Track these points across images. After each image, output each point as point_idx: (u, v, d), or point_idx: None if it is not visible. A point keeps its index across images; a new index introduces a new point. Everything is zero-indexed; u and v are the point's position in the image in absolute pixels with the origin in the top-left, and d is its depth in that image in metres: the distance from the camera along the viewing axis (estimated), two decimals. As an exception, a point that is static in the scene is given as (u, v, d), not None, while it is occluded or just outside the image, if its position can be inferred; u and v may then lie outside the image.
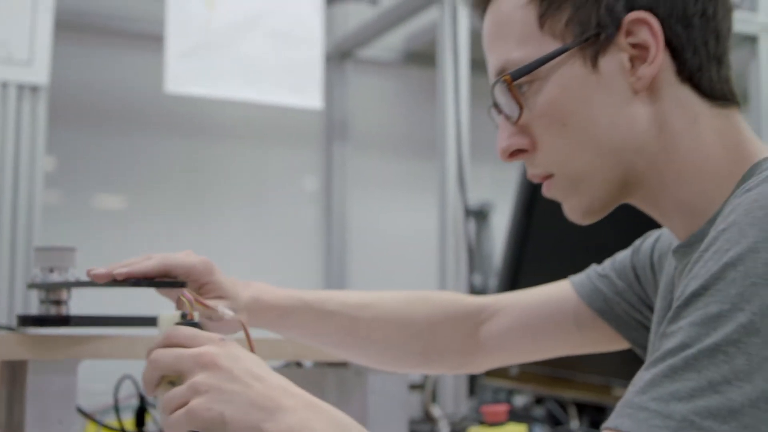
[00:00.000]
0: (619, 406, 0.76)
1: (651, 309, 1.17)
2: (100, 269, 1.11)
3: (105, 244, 2.59)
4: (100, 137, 2.67)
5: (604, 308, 1.21)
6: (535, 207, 2.13)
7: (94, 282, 1.19)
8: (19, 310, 2.15)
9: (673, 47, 0.95)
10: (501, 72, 0.99)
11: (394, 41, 3.06)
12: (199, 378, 0.89)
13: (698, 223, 0.95)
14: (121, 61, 2.72)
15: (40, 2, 2.12)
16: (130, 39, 2.72)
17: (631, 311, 1.19)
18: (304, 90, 2.48)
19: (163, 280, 1.12)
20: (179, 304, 1.04)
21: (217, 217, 2.81)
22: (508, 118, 1.00)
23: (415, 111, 3.09)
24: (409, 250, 2.98)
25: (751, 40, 2.70)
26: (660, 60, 0.93)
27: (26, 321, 1.39)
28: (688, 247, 0.96)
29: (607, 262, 1.24)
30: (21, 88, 2.14)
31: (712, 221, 0.92)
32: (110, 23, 2.72)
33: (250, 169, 2.88)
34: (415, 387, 2.34)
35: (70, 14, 2.55)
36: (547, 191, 1.01)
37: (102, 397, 1.65)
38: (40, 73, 2.12)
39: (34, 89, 2.15)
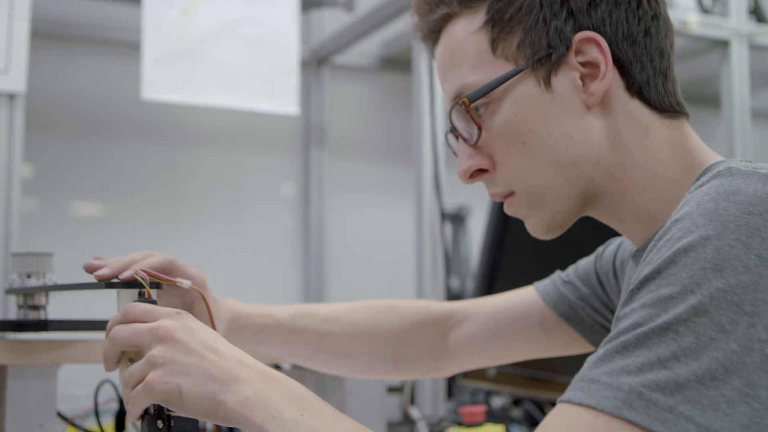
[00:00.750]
0: (573, 381, 0.80)
1: (614, 313, 1.20)
2: (104, 270, 1.13)
3: (82, 251, 2.59)
4: (76, 145, 2.67)
5: (569, 313, 1.25)
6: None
7: (72, 286, 1.20)
8: (-2, 316, 2.15)
9: (621, 64, 1.00)
10: (457, 96, 1.03)
11: (370, 47, 3.08)
12: (156, 351, 0.92)
13: (655, 227, 0.99)
14: (97, 68, 2.72)
15: (16, 10, 2.12)
16: (106, 47, 2.73)
17: (595, 316, 1.24)
18: (280, 96, 2.49)
19: (157, 278, 1.13)
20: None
21: (194, 224, 2.82)
22: (466, 140, 1.03)
23: (391, 116, 3.11)
24: (386, 255, 3.00)
25: (723, 44, 2.73)
26: (610, 76, 0.98)
27: (4, 326, 1.39)
28: (644, 251, 0.99)
29: (571, 269, 1.28)
30: (-2, 95, 2.14)
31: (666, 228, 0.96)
32: (86, 31, 2.72)
33: (228, 175, 2.89)
34: (393, 389, 2.35)
35: (46, 22, 2.55)
36: (509, 209, 1.05)
37: (82, 402, 1.65)
38: (17, 81, 2.12)
39: (11, 97, 2.15)
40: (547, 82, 0.98)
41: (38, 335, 1.40)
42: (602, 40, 0.98)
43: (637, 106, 1.00)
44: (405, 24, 2.81)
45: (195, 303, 1.20)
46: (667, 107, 1.01)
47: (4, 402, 1.36)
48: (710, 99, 3.04)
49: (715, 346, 0.75)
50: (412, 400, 2.31)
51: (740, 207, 0.81)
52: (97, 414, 1.56)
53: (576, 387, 0.79)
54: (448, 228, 2.44)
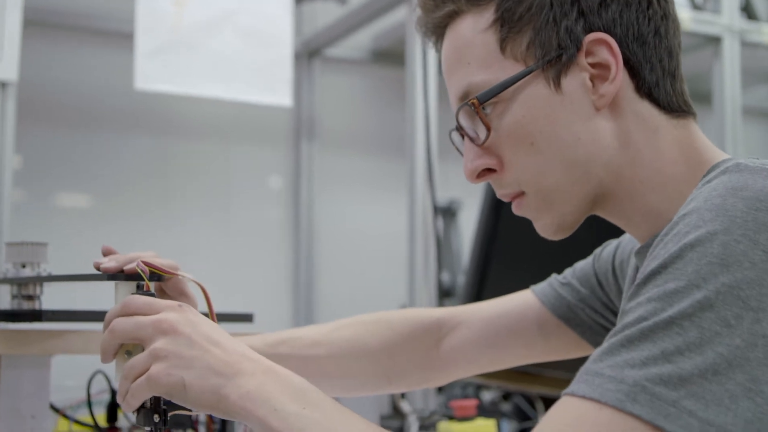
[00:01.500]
0: (578, 375, 0.80)
1: (614, 313, 1.21)
2: (110, 262, 1.11)
3: (71, 243, 2.58)
4: (65, 135, 2.66)
5: (569, 315, 1.24)
6: (503, 204, 2.14)
7: (70, 277, 1.19)
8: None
9: (631, 65, 0.99)
10: (465, 96, 1.02)
11: (362, 40, 3.07)
12: (159, 344, 0.92)
13: (661, 225, 0.99)
14: (89, 59, 2.71)
15: (9, -1, 2.11)
16: (99, 36, 2.72)
17: (596, 316, 1.23)
18: (274, 88, 2.48)
19: (155, 269, 1.10)
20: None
21: (184, 216, 2.81)
22: (473, 140, 1.03)
23: (382, 110, 3.10)
24: (377, 249, 3.00)
25: (715, 41, 2.74)
26: (620, 78, 0.98)
27: None
28: (649, 248, 0.99)
29: (568, 271, 1.28)
30: (-10, 84, 2.13)
31: (673, 224, 0.96)
32: (79, 21, 2.71)
33: (218, 167, 2.88)
34: (383, 383, 2.35)
35: (38, 11, 2.54)
36: (518, 209, 1.04)
37: (73, 393, 1.64)
38: (9, 69, 2.11)
39: (3, 85, 2.14)
40: (557, 83, 0.98)
41: (32, 325, 1.40)
42: (613, 42, 0.98)
43: (646, 107, 1.00)
44: (397, 17, 2.81)
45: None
46: (675, 107, 1.01)
47: (-3, 392, 1.36)
48: (702, 96, 3.05)
49: (719, 341, 0.75)
50: (403, 394, 2.31)
51: (747, 203, 0.81)
52: (90, 405, 1.55)
53: (580, 380, 0.79)
54: (440, 222, 2.44)
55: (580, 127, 0.98)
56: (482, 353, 1.29)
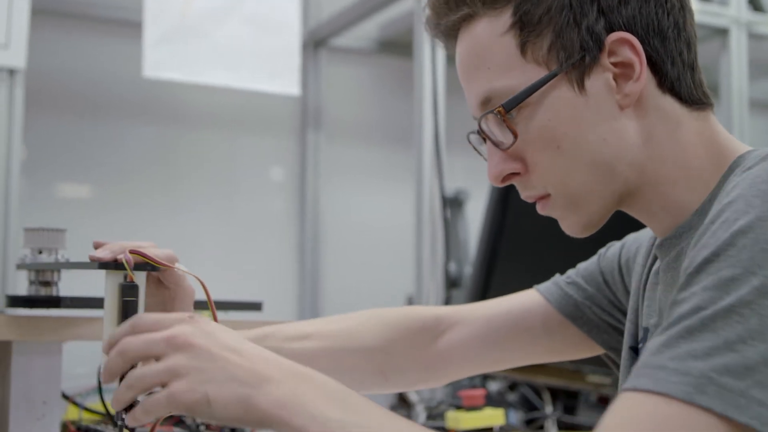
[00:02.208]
0: (636, 369, 0.79)
1: (621, 311, 1.21)
2: (101, 251, 1.08)
3: (76, 231, 2.57)
4: (71, 124, 2.65)
5: (576, 313, 1.24)
6: (510, 194, 2.15)
7: (59, 264, 1.18)
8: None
9: (653, 62, 0.99)
10: (486, 101, 1.01)
11: (368, 30, 3.07)
12: (176, 360, 0.86)
13: (683, 217, 1.00)
14: (96, 47, 2.71)
15: (17, -15, 2.11)
16: (107, 25, 2.71)
17: (603, 314, 1.23)
18: (282, 76, 2.48)
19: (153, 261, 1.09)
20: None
21: (189, 206, 2.81)
22: (497, 145, 1.02)
23: (388, 100, 3.10)
24: (383, 239, 2.99)
25: (722, 33, 2.74)
26: (645, 76, 0.97)
27: (16, 301, 1.38)
28: (675, 238, 1.01)
29: (571, 272, 1.28)
30: (-2, 71, 2.13)
31: (700, 212, 0.98)
32: (87, 9, 2.70)
33: (223, 157, 2.88)
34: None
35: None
36: (543, 210, 1.04)
37: (83, 380, 1.64)
38: (17, 56, 2.10)
39: (12, 72, 2.14)
40: (581, 85, 0.97)
41: (43, 312, 1.40)
42: (635, 41, 0.97)
43: (668, 102, 0.99)
44: (404, 7, 2.81)
45: (181, 295, 1.14)
46: (696, 100, 1.01)
47: (9, 378, 1.36)
48: (708, 88, 3.05)
49: None
50: (410, 384, 2.31)
51: None
52: (101, 392, 1.55)
53: (641, 374, 0.77)
54: (446, 212, 2.44)
55: (605, 127, 0.98)
56: (483, 351, 1.27)
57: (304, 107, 2.99)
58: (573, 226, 1.04)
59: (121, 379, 0.90)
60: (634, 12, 0.97)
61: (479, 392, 1.90)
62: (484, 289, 2.13)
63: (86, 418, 1.58)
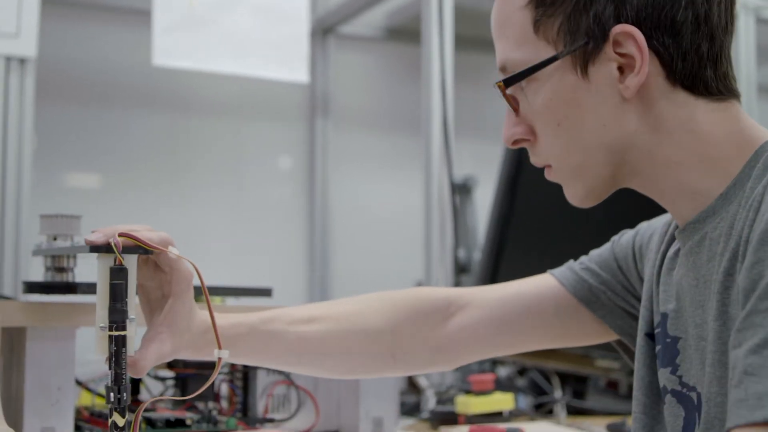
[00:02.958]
0: (747, 398, 0.80)
1: (635, 297, 1.22)
2: (94, 235, 1.08)
3: (85, 220, 2.59)
4: (80, 112, 2.66)
5: (590, 297, 1.24)
6: (519, 181, 2.15)
7: (77, 248, 1.19)
8: (10, 283, 2.16)
9: (661, 57, 0.99)
10: (503, 68, 1.05)
11: (375, 17, 3.07)
12: None
13: (705, 203, 1.01)
14: (105, 35, 2.71)
15: (27, -26, 2.12)
16: (116, 13, 2.72)
17: (617, 299, 1.23)
18: (291, 64, 2.49)
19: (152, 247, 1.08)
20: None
21: (198, 194, 2.81)
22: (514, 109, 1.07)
23: (397, 87, 3.10)
24: (392, 226, 3.00)
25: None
26: (645, 71, 0.98)
27: (33, 288, 1.39)
28: (698, 223, 1.02)
29: (584, 258, 1.28)
30: (9, 60, 2.14)
31: (724, 197, 0.99)
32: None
33: (232, 145, 2.89)
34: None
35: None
36: (548, 176, 1.08)
37: (95, 366, 1.65)
38: (28, 45, 2.12)
39: (22, 61, 2.15)
40: (585, 71, 0.99)
41: (56, 297, 1.41)
42: (639, 35, 0.97)
43: (680, 95, 1.00)
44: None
45: (177, 279, 1.12)
46: (714, 92, 1.00)
47: (24, 364, 1.37)
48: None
49: None
50: (419, 369, 2.32)
51: None
52: (113, 377, 1.56)
53: (758, 406, 0.79)
54: (455, 199, 2.45)
55: (606, 114, 1.00)
56: (494, 334, 1.26)
57: (313, 95, 3.00)
58: (573, 197, 1.07)
59: None
60: (645, 4, 0.97)
61: (488, 377, 1.90)
62: (493, 275, 2.14)
63: (99, 403, 1.60)
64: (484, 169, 2.69)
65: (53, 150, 2.61)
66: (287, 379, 1.59)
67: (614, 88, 0.99)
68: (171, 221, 2.69)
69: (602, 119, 1.00)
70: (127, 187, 2.71)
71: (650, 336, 1.12)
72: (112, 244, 1.04)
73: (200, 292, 1.13)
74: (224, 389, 1.60)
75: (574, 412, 2.12)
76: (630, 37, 0.97)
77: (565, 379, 2.19)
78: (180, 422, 1.48)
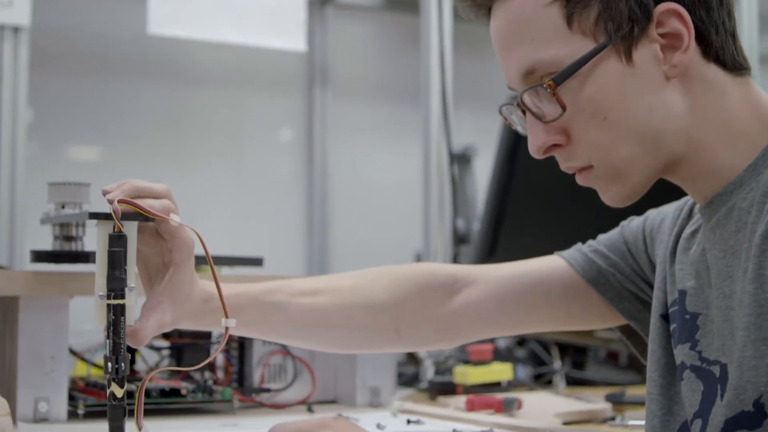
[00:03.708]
0: None
1: (644, 281, 1.21)
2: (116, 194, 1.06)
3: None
4: (77, 84, 2.64)
5: (599, 279, 1.23)
6: (518, 151, 2.13)
7: (77, 214, 1.17)
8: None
9: (699, 31, 0.99)
10: (528, 73, 1.01)
11: (374, -14, 3.05)
12: None
13: (730, 176, 1.00)
14: (101, 3, 2.69)
15: (20, -58, 2.10)
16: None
17: (626, 282, 1.22)
18: (287, 32, 2.47)
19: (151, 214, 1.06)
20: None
21: (196, 167, 2.80)
22: (539, 118, 1.01)
23: (395, 57, 3.08)
24: (391, 197, 2.99)
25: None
26: (693, 47, 0.98)
27: (40, 257, 1.38)
28: (726, 195, 1.01)
29: (591, 241, 1.27)
30: (2, 28, 2.12)
31: (753, 168, 0.98)
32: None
33: (230, 115, 2.87)
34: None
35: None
36: (584, 181, 1.04)
37: (90, 336, 1.65)
38: (21, 14, 2.10)
39: (16, 30, 2.13)
40: (629, 57, 0.98)
41: (49, 267, 1.40)
42: (683, 11, 0.97)
43: (713, 71, 1.00)
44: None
45: (179, 246, 1.11)
46: (738, 66, 1.01)
47: (17, 333, 1.36)
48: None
49: None
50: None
51: None
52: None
53: None
54: (454, 168, 2.43)
55: (651, 98, 0.98)
56: (499, 313, 1.26)
57: (311, 65, 2.98)
58: (614, 197, 1.04)
59: None
60: None
61: (487, 347, 1.89)
62: (492, 246, 2.12)
63: (95, 373, 1.59)
64: (484, 139, 2.67)
65: (53, 122, 2.59)
66: (284, 348, 1.58)
67: (658, 70, 0.98)
68: (172, 190, 2.67)
69: (648, 104, 0.98)
70: (127, 159, 2.70)
71: (665, 317, 1.11)
72: (111, 210, 1.02)
73: (200, 261, 1.11)
74: (220, 359, 1.59)
75: (573, 382, 2.12)
76: (674, 14, 0.97)
77: (564, 349, 2.18)
78: (175, 392, 1.47)
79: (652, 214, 1.22)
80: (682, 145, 1.00)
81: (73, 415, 1.40)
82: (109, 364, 1.00)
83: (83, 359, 1.62)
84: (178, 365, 1.56)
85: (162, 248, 1.10)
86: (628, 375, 2.28)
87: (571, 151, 1.02)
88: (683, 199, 1.16)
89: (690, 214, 1.13)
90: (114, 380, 1.00)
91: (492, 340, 2.31)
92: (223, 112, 2.85)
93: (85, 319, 1.67)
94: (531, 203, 2.17)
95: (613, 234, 1.26)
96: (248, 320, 1.18)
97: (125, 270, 1.02)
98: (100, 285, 1.02)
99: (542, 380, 2.11)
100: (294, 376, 1.58)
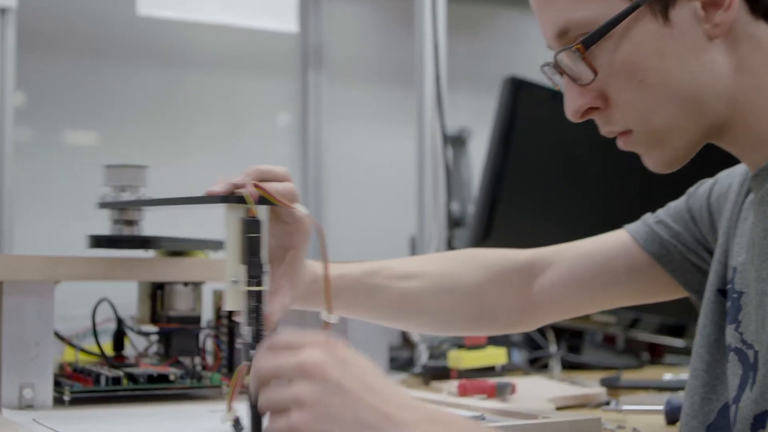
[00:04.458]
0: None
1: (707, 250, 1.17)
2: (219, 186, 1.07)
3: (77, 179, 2.55)
4: (67, 67, 2.61)
5: (660, 251, 1.20)
6: (513, 133, 2.12)
7: (178, 200, 1.19)
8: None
9: None
10: (562, 33, 0.97)
11: (368, -33, 3.02)
12: (302, 389, 0.80)
13: None
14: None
15: None
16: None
17: (687, 254, 1.19)
18: (279, 13, 2.44)
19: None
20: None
21: (191, 149, 2.77)
22: (575, 80, 0.97)
23: (389, 39, 3.05)
24: (386, 180, 2.97)
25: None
26: (737, 4, 0.92)
27: (99, 242, 1.35)
28: None
29: (660, 211, 1.24)
30: (-11, 10, 2.09)
31: None
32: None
33: (224, 98, 2.84)
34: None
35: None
36: (625, 146, 1.00)
37: (80, 322, 1.63)
38: (8, -5, 2.07)
39: (3, 11, 2.10)
40: (665, 16, 0.92)
41: (35, 250, 1.38)
42: None
43: (761, 28, 0.94)
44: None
45: (299, 230, 1.12)
46: None
47: (1, 319, 1.34)
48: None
49: None
50: (412, 324, 2.30)
51: None
52: (95, 333, 1.54)
53: None
54: (449, 151, 2.41)
55: (692, 60, 0.93)
56: (573, 293, 1.26)
57: (305, 47, 2.95)
58: (656, 163, 1.00)
59: None
60: None
61: (481, 331, 1.88)
62: (487, 229, 2.11)
63: (82, 359, 1.57)
64: (480, 121, 2.64)
65: (43, 106, 2.56)
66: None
67: (699, 30, 0.93)
68: (164, 177, 2.65)
69: (688, 66, 0.93)
70: (121, 143, 2.66)
71: (722, 292, 1.07)
72: (247, 195, 1.02)
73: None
74: (209, 344, 1.57)
75: (569, 366, 2.10)
76: None
77: (560, 333, 2.16)
78: (163, 377, 1.45)
79: (722, 177, 1.17)
80: (727, 109, 0.95)
81: (59, 402, 1.38)
82: (251, 352, 0.99)
83: (71, 345, 1.60)
84: (167, 351, 1.54)
85: (281, 231, 1.10)
86: (625, 359, 2.27)
87: (609, 115, 0.98)
88: None
89: None
90: None
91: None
92: (218, 95, 2.82)
93: (74, 304, 1.66)
94: (526, 185, 2.15)
95: (679, 202, 1.22)
96: (350, 301, 1.22)
97: (262, 256, 1.01)
98: (233, 270, 1.01)
99: (538, 364, 2.10)
100: (284, 360, 1.56)
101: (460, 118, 2.67)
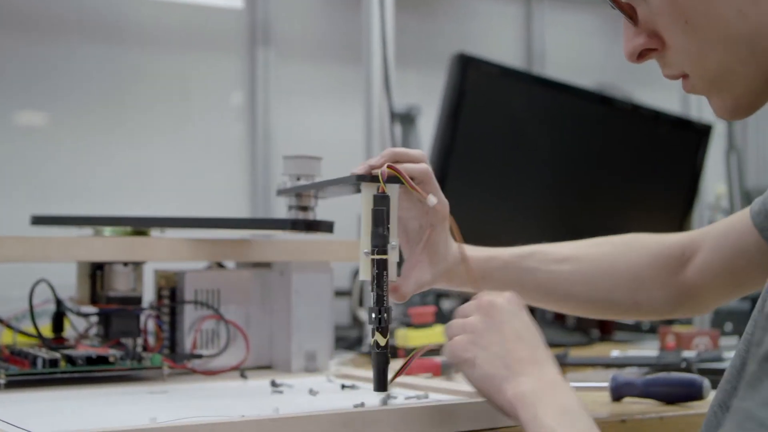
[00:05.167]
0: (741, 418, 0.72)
1: None
2: (365, 166, 1.13)
3: (26, 161, 2.50)
4: (9, 46, 2.55)
5: (764, 224, 1.17)
6: (461, 111, 2.10)
7: (340, 179, 1.22)
8: None
9: None
10: None
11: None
12: (472, 319, 1.00)
13: None
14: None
15: None
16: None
17: None
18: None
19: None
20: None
21: (140, 130, 2.73)
22: (631, 18, 0.93)
23: (337, 15, 3.02)
24: (335, 158, 2.92)
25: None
26: None
27: (297, 224, 1.42)
28: None
29: None
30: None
31: None
32: None
33: (173, 76, 2.80)
34: (342, 293, 2.32)
35: None
36: (686, 89, 0.95)
37: (19, 303, 1.59)
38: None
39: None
40: None
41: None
42: None
43: None
44: None
45: (436, 218, 1.18)
46: None
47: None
48: None
49: None
50: (361, 303, 2.28)
51: None
52: (32, 315, 1.51)
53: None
54: (398, 129, 2.39)
55: None
56: (718, 277, 1.25)
57: (252, 24, 2.91)
58: (719, 110, 0.93)
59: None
60: None
61: (429, 309, 1.88)
62: (435, 206, 2.10)
63: (21, 341, 1.53)
64: (430, 99, 2.63)
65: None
66: (216, 313, 1.53)
67: None
68: (114, 158, 2.62)
69: (737, 4, 0.85)
70: (69, 123, 2.62)
71: None
72: (378, 173, 1.09)
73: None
74: (151, 325, 1.55)
75: (517, 344, 2.09)
76: None
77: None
78: (102, 359, 1.42)
79: None
80: None
81: (-6, 385, 1.35)
82: (373, 315, 1.09)
83: (9, 327, 1.56)
84: (107, 332, 1.51)
85: (419, 212, 1.17)
86: (574, 336, 2.27)
87: (666, 57, 0.93)
88: None
89: None
90: (378, 329, 1.09)
91: (436, 303, 2.29)
92: (166, 73, 2.78)
93: (12, 286, 1.63)
94: (474, 162, 2.14)
95: None
96: (499, 283, 1.24)
97: (388, 228, 1.09)
98: (365, 242, 1.10)
99: (486, 342, 2.09)
100: (227, 341, 1.54)
101: (410, 95, 2.65)
